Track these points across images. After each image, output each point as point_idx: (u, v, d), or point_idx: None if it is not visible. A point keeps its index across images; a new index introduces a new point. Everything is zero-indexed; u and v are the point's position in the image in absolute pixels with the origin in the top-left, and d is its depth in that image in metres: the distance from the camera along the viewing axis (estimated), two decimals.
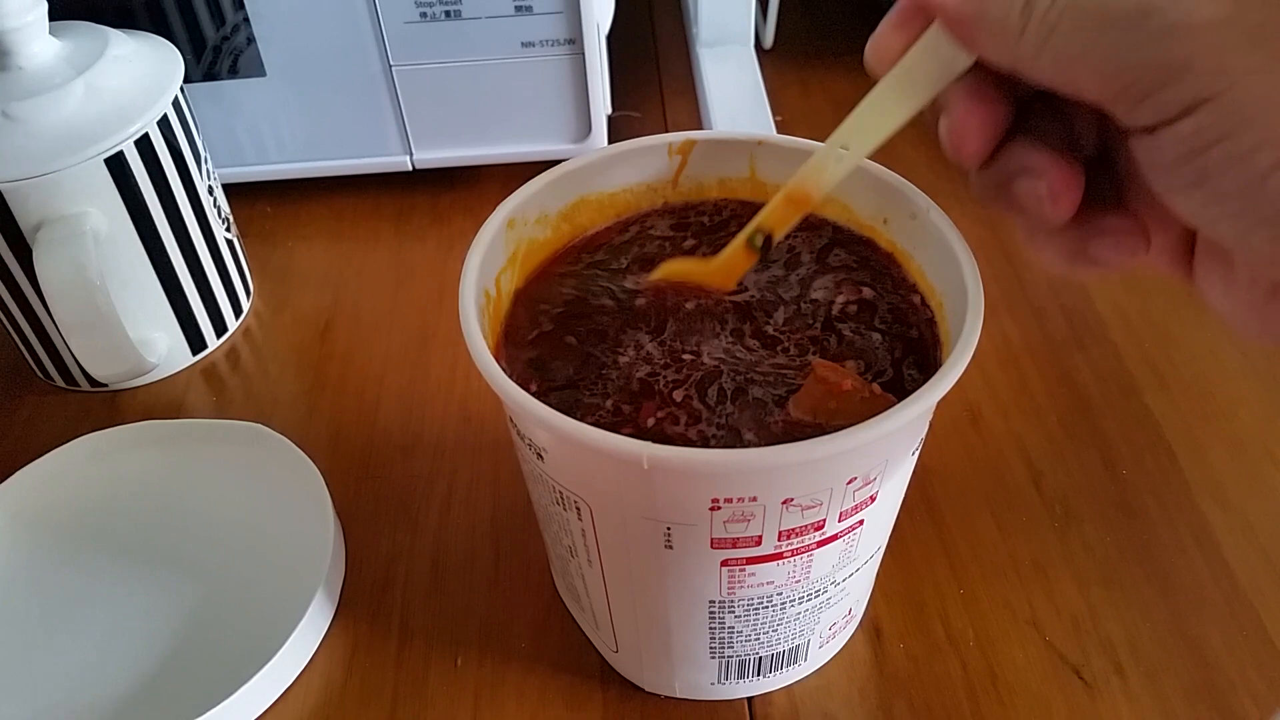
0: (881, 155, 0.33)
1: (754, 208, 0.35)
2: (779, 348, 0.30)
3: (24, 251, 0.42)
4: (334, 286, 0.53)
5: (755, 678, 0.34)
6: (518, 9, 0.49)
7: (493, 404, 0.45)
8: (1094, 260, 0.23)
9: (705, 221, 0.35)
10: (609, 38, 0.53)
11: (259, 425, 0.43)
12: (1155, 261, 0.25)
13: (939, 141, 0.24)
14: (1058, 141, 0.23)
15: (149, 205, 0.44)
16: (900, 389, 0.29)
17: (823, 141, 0.33)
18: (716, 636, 0.31)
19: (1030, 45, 0.21)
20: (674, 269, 0.31)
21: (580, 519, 0.29)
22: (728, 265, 0.29)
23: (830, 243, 0.34)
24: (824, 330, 0.31)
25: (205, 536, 0.40)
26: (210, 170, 0.48)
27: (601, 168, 0.34)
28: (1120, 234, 0.23)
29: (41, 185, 0.40)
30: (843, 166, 0.26)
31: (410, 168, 0.55)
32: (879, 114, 0.24)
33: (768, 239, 0.28)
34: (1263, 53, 0.18)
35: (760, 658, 0.33)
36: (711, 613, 0.30)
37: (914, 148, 0.58)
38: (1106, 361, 0.46)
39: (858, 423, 0.25)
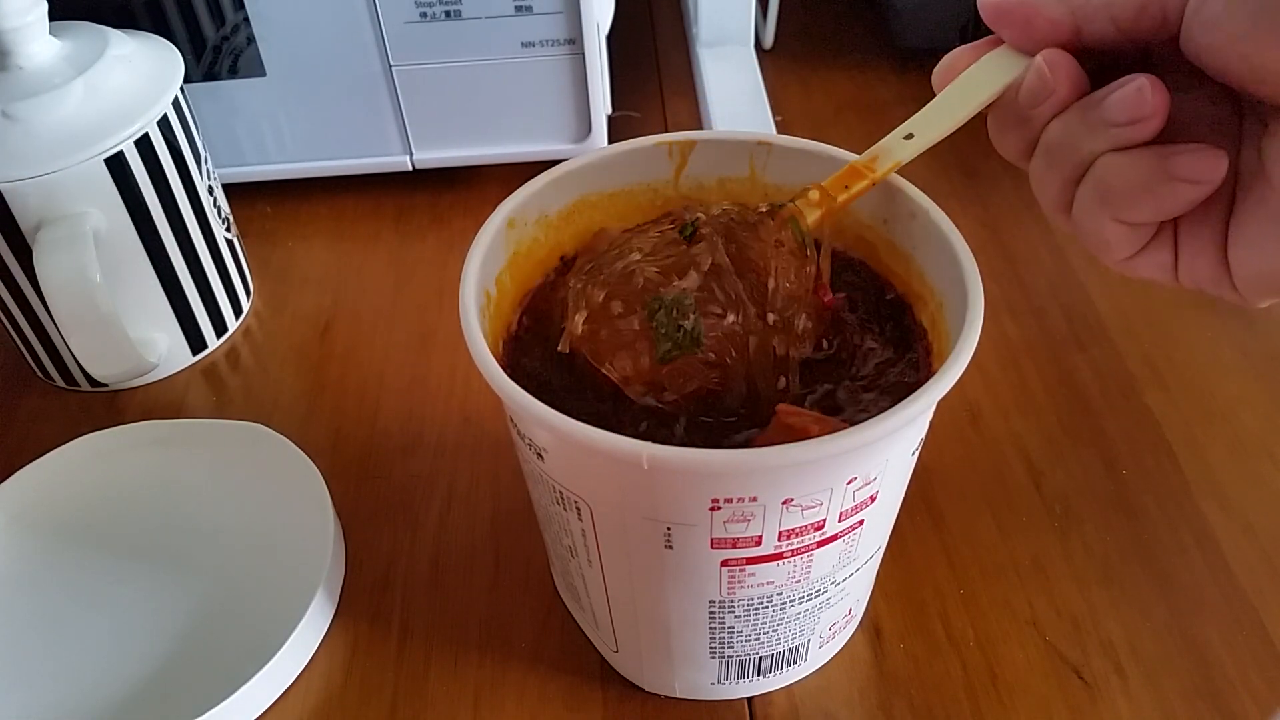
0: None
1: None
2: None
3: (24, 251, 0.42)
4: (334, 286, 0.53)
5: (755, 678, 0.34)
6: (518, 9, 0.49)
7: (493, 404, 0.45)
8: (1176, 175, 0.24)
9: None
10: (609, 38, 0.53)
11: (259, 425, 0.43)
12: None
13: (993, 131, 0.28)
14: None
15: (149, 205, 0.44)
16: (899, 389, 0.29)
17: (823, 141, 0.34)
18: (716, 636, 0.31)
19: None
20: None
21: (580, 519, 0.29)
22: (784, 214, 0.30)
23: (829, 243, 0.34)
24: (824, 330, 0.31)
25: (205, 536, 0.40)
26: (210, 170, 0.48)
27: (601, 168, 0.34)
28: (1200, 152, 0.24)
29: (41, 185, 0.40)
30: (906, 150, 0.29)
31: (410, 168, 0.55)
32: (945, 109, 0.28)
33: (826, 195, 0.30)
34: None
35: (760, 658, 0.33)
36: (711, 613, 0.30)
37: None
38: (1106, 361, 0.46)
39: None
